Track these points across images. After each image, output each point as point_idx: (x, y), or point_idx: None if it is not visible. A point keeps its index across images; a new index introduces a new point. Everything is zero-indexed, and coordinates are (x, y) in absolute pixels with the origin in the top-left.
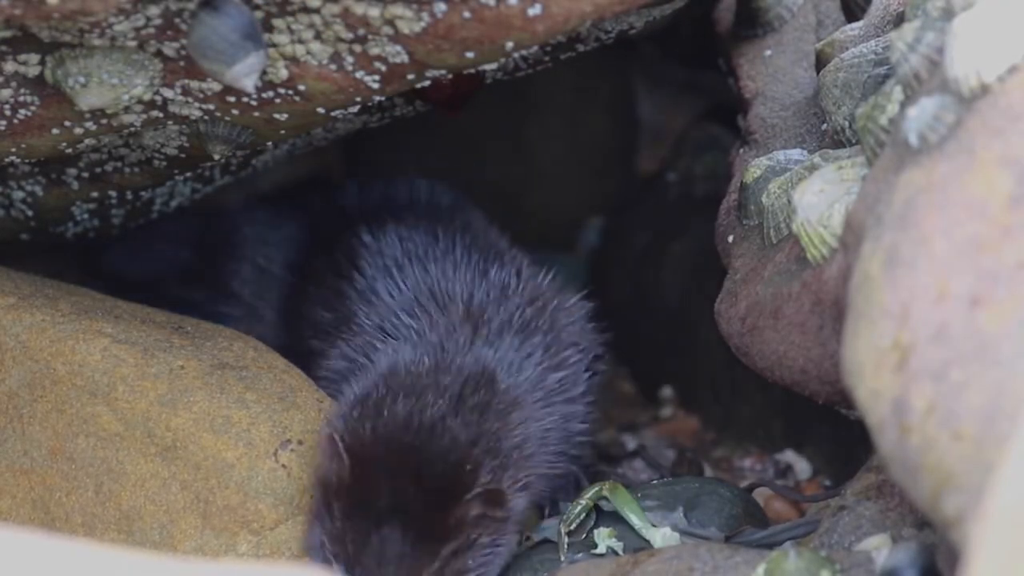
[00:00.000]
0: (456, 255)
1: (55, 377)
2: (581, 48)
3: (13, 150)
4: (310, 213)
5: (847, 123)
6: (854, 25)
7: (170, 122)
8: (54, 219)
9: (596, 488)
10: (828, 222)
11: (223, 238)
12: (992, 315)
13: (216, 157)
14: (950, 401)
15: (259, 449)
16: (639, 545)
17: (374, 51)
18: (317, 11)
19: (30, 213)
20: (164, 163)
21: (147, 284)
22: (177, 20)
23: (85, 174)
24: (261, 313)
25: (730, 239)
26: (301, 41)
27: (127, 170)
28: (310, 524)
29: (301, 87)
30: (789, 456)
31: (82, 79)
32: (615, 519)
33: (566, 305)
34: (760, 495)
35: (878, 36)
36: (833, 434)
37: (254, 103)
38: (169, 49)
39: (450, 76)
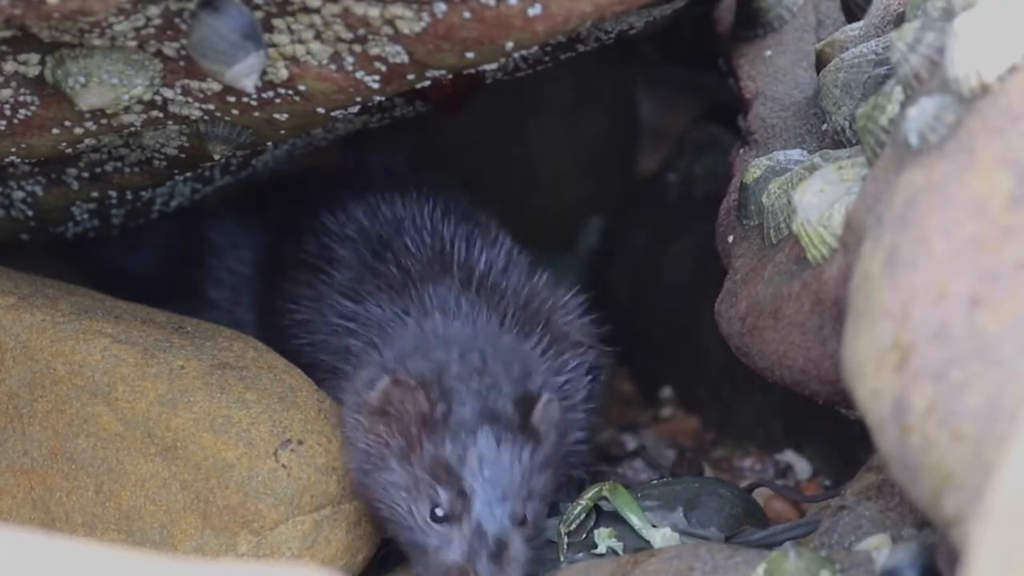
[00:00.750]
0: (439, 231)
1: (55, 377)
2: (581, 48)
3: (13, 150)
4: (274, 212)
5: (847, 123)
6: (854, 25)
7: (170, 122)
8: (54, 219)
9: (596, 488)
10: (828, 222)
11: (193, 248)
12: (992, 315)
13: (216, 157)
14: (950, 401)
15: (259, 449)
16: (639, 545)
17: (374, 51)
18: (317, 11)
19: (30, 213)
20: (164, 163)
21: (141, 282)
22: (177, 20)
23: (85, 174)
24: (241, 318)
25: (730, 239)
26: (301, 41)
27: (127, 170)
28: (390, 478)
29: (301, 87)
30: (789, 456)
31: (82, 79)
32: (615, 519)
33: (563, 303)
34: (760, 495)
35: (878, 36)
36: (833, 434)
37: (254, 103)
38: (169, 49)
39: (450, 76)
